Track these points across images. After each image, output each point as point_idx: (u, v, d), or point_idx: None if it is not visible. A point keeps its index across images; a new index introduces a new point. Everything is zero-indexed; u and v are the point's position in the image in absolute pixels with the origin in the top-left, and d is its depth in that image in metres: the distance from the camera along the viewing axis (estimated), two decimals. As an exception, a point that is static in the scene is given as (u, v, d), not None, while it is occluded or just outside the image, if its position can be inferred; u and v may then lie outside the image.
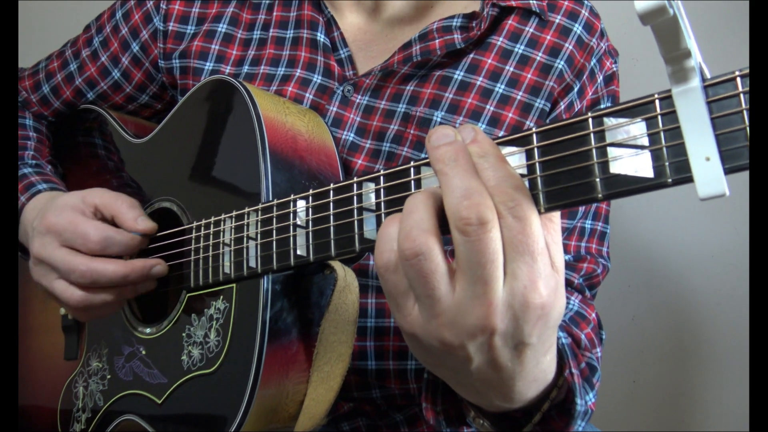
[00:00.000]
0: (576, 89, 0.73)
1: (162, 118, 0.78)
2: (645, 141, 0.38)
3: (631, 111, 0.39)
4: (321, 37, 0.77)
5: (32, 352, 0.85)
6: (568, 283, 0.72)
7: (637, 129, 0.39)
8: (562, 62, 0.72)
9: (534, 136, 0.43)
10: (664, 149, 0.38)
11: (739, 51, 1.13)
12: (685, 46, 0.35)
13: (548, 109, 0.72)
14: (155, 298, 0.73)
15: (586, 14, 0.75)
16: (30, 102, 0.93)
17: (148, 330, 0.70)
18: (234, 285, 0.62)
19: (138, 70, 0.87)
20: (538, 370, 0.46)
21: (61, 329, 0.81)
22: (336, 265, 0.62)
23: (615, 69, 0.77)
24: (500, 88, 0.72)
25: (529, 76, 0.72)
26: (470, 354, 0.41)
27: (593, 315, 0.71)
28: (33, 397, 0.83)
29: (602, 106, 0.74)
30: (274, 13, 0.80)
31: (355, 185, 0.52)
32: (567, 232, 0.73)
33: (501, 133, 0.71)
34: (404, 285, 0.42)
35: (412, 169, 0.49)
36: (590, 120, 0.41)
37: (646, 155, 0.38)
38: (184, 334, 0.66)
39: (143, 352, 0.70)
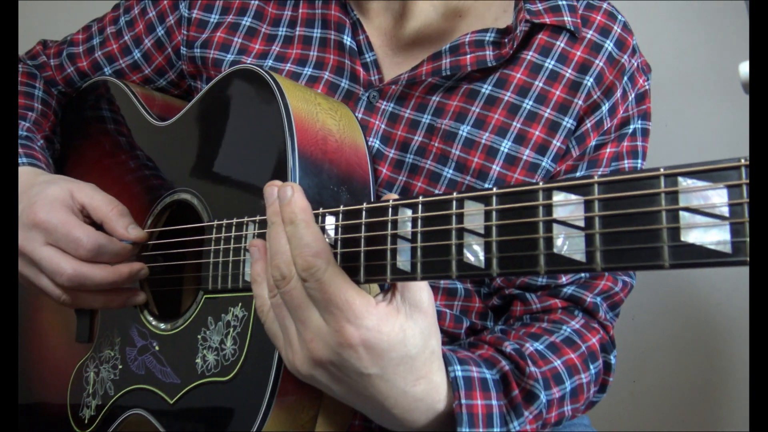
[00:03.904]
0: (606, 108, 0.71)
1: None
2: (725, 211, 0.34)
3: (711, 174, 0.35)
4: (348, 40, 0.74)
5: (44, 329, 0.83)
6: (578, 303, 0.70)
7: (717, 196, 0.35)
8: (591, 79, 0.70)
9: (596, 186, 0.39)
10: (747, 224, 0.34)
11: (739, 52, 1.10)
12: (789, 117, 0.31)
13: (574, 128, 0.70)
14: (171, 293, 0.71)
15: (619, 30, 0.72)
16: (46, 66, 0.91)
17: (162, 326, 0.68)
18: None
19: (159, 54, 0.85)
20: (410, 399, 0.51)
21: (73, 310, 0.79)
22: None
23: (647, 87, 0.75)
24: (528, 104, 0.70)
25: (557, 93, 0.70)
26: (324, 381, 0.51)
27: (592, 340, 0.67)
28: (43, 377, 0.82)
29: (632, 127, 0.72)
30: (300, 11, 0.78)
31: (390, 210, 0.49)
32: None
33: (527, 151, 0.69)
34: (275, 327, 0.53)
35: (454, 202, 0.45)
36: (662, 178, 0.36)
37: (725, 227, 0.34)
38: (199, 336, 0.64)
39: (156, 348, 0.68)
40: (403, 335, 0.49)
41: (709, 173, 0.35)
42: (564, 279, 0.70)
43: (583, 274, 0.70)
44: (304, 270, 0.47)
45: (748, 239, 0.34)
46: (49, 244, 0.65)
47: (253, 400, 0.57)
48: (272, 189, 0.52)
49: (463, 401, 0.54)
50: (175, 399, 0.64)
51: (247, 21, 0.79)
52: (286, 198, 0.50)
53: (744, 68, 0.28)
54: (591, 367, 0.65)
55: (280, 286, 0.49)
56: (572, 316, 0.69)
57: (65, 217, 0.65)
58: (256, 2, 0.79)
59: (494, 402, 0.56)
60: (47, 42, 0.94)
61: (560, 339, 0.65)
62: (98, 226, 0.68)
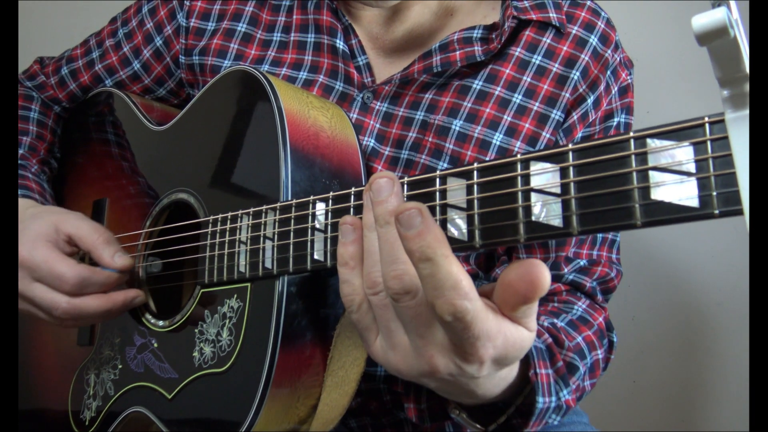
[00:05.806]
0: (591, 100, 0.73)
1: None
2: (691, 167, 0.36)
3: (677, 134, 0.37)
4: (340, 44, 0.77)
5: (45, 335, 0.84)
6: (579, 288, 0.73)
7: (683, 154, 0.36)
8: (577, 73, 0.72)
9: (570, 153, 0.40)
10: (712, 178, 0.35)
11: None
12: (744, 69, 0.32)
13: (562, 119, 0.72)
14: (169, 290, 0.72)
15: (602, 26, 0.75)
16: (46, 86, 0.93)
17: (161, 323, 0.69)
18: (248, 284, 0.61)
19: (158, 64, 0.87)
20: (497, 380, 0.50)
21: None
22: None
23: (630, 81, 0.77)
24: (518, 98, 0.72)
25: (545, 87, 0.72)
26: (427, 384, 0.48)
27: (600, 319, 0.71)
28: (45, 381, 0.83)
29: (615, 120, 0.74)
30: (294, 17, 0.80)
31: (377, 191, 0.50)
32: (579, 242, 0.73)
33: (518, 144, 0.72)
34: (368, 320, 0.48)
35: (437, 179, 0.47)
36: (632, 141, 0.38)
37: (692, 183, 0.36)
38: (196, 330, 0.65)
39: (155, 345, 0.69)
40: (522, 340, 0.44)
41: (676, 133, 0.37)
42: (565, 270, 0.72)
43: (582, 263, 0.73)
44: (450, 314, 0.40)
45: (714, 193, 0.35)
46: (36, 281, 0.66)
47: (249, 389, 0.58)
48: (383, 182, 0.45)
49: (538, 371, 0.54)
50: (173, 394, 0.65)
51: (242, 27, 0.81)
52: (414, 226, 0.40)
53: (696, 21, 0.30)
54: (603, 343, 0.69)
55: (399, 300, 0.43)
56: (578, 297, 0.72)
57: (47, 254, 0.66)
58: (251, 9, 0.82)
59: (550, 371, 0.57)
60: (44, 59, 0.96)
61: (575, 317, 0.69)
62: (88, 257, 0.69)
